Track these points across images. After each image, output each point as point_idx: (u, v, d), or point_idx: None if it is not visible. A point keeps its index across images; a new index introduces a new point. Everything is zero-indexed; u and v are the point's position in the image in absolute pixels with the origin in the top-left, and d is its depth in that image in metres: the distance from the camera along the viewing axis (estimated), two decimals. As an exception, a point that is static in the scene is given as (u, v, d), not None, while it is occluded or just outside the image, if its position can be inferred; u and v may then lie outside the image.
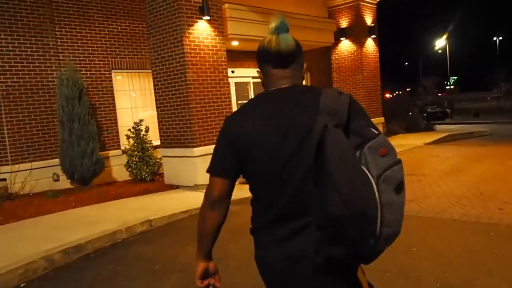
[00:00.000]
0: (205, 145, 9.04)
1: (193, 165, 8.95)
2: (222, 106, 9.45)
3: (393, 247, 1.61)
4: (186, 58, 8.76)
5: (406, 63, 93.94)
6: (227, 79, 9.67)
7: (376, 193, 1.45)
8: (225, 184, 1.79)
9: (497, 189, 7.25)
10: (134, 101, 11.54)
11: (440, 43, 45.81)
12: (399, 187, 1.50)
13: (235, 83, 13.43)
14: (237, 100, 13.49)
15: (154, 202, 7.99)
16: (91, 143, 9.21)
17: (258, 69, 1.90)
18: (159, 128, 9.70)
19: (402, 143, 14.58)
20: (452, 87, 50.17)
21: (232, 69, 13.18)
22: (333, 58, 14.38)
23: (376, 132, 1.55)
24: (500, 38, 76.53)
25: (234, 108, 13.29)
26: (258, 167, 1.72)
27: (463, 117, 32.57)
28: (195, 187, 8.94)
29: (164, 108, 9.44)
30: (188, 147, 9.02)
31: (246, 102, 1.87)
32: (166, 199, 8.20)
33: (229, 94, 9.75)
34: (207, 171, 1.84)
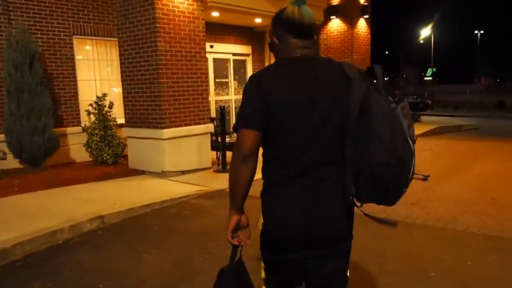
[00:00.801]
0: (176, 126, 7.87)
1: (161, 148, 7.79)
2: (198, 83, 8.27)
3: (407, 272, 1.99)
4: (157, 25, 7.51)
5: (386, 52, 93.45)
6: (205, 53, 8.47)
7: (411, 145, 1.73)
8: (256, 137, 1.84)
9: (510, 194, 6.34)
10: (99, 73, 10.22)
11: (425, 32, 45.11)
12: (414, 142, 1.76)
13: (214, 59, 12.22)
14: (215, 78, 12.29)
15: (112, 190, 6.82)
16: (43, 118, 7.93)
17: (275, 37, 1.97)
18: (124, 105, 8.47)
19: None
20: (430, 78, 49.73)
21: (211, 44, 11.96)
22: (322, 38, 13.25)
23: (399, 95, 1.77)
24: (482, 31, 76.78)
25: (212, 86, 12.10)
26: (288, 125, 1.82)
27: (443, 109, 32.03)
28: (162, 174, 7.80)
29: (130, 82, 8.20)
30: (156, 127, 7.84)
31: (270, 65, 1.96)
32: (127, 188, 7.04)
33: (206, 70, 8.56)
34: (235, 127, 1.88)
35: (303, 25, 1.88)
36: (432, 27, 45.41)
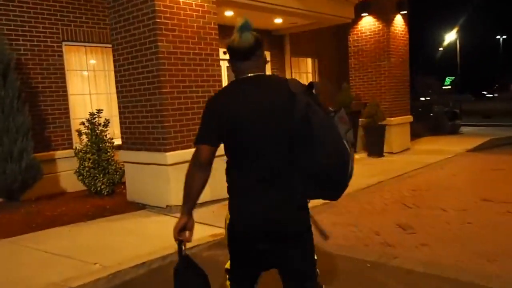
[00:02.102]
0: (183, 148, 6.24)
1: (165, 177, 6.16)
2: (210, 93, 6.64)
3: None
4: (157, 20, 5.93)
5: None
6: (218, 55, 6.85)
7: (348, 147, 2.04)
8: (209, 151, 2.21)
9: None
10: (94, 86, 8.68)
11: (450, 37, 43.08)
12: (353, 144, 2.58)
13: (228, 67, 10.60)
14: (231, 88, 10.68)
15: (99, 236, 5.19)
16: (20, 141, 6.36)
17: (229, 62, 2.31)
18: (120, 122, 6.88)
19: (438, 148, 11.88)
20: (449, 87, 47.39)
21: (225, 50, 10.35)
22: (351, 39, 11.59)
23: (332, 109, 2.12)
24: (504, 36, 74.14)
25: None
26: (241, 138, 2.16)
27: (471, 118, 29.92)
28: (167, 209, 6.15)
29: (126, 94, 6.62)
30: (159, 150, 6.22)
31: (225, 86, 2.35)
32: (119, 231, 5.40)
33: (220, 77, 6.94)
34: (195, 143, 2.26)
35: (240, 50, 2.21)
36: (457, 32, 43.39)
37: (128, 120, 6.65)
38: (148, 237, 5.07)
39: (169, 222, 5.67)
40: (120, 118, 6.83)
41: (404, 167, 9.29)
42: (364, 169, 9.22)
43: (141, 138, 6.47)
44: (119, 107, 6.81)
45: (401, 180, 8.06)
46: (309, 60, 13.39)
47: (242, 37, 2.21)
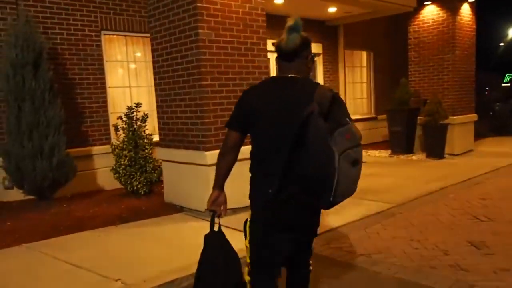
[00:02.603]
0: (224, 147, 5.64)
1: (204, 178, 5.56)
2: (256, 87, 6.01)
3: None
4: (198, 4, 5.33)
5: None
6: (265, 44, 6.18)
7: (336, 163, 2.08)
8: (236, 137, 2.47)
9: None
10: (135, 78, 8.24)
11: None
12: (355, 163, 2.16)
13: (276, 59, 9.92)
14: (279, 82, 10.00)
15: (128, 244, 4.67)
16: (52, 136, 5.95)
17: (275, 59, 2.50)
18: (158, 117, 6.35)
19: (505, 150, 10.84)
20: (508, 84, 44.41)
21: (274, 41, 9.68)
22: (412, 30, 10.62)
23: (348, 121, 2.18)
24: None
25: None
26: (258, 132, 2.38)
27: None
28: (206, 214, 5.56)
29: (165, 87, 6.08)
30: (198, 149, 5.64)
31: (261, 81, 2.62)
32: (151, 238, 4.86)
33: (268, 68, 6.27)
34: (225, 126, 2.54)
35: (286, 51, 2.36)
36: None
37: (166, 115, 6.11)
38: (182, 247, 4.49)
39: (207, 229, 5.08)
40: (157, 113, 6.31)
41: (469, 171, 8.33)
42: (424, 173, 8.33)
43: (180, 135, 5.91)
44: (157, 101, 6.28)
45: (467, 187, 7.13)
46: (364, 53, 12.51)
47: (290, 38, 2.32)
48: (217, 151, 5.46)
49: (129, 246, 4.61)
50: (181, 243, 4.68)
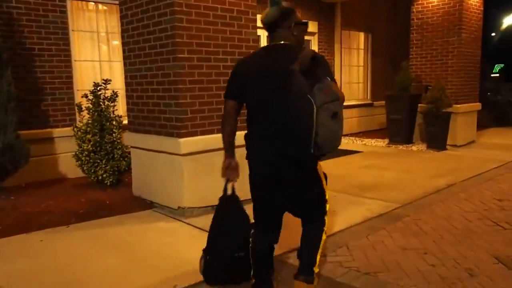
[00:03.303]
0: (203, 133, 4.75)
1: (178, 170, 4.69)
2: (242, 63, 5.11)
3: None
4: (174, -40, 4.40)
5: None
6: (255, 14, 5.26)
7: (314, 116, 2.26)
8: (233, 105, 2.71)
9: None
10: (107, 51, 7.27)
11: (509, 21, 39.60)
12: (334, 115, 2.34)
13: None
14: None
15: (76, 254, 3.77)
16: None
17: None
18: (127, 97, 5.43)
19: (509, 143, 9.97)
20: (497, 75, 43.84)
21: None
22: (415, 10, 9.73)
23: (328, 78, 2.40)
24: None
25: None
26: (250, 97, 2.63)
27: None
28: (179, 212, 4.72)
29: (135, 60, 5.14)
30: (171, 135, 4.74)
31: (254, 51, 3.16)
32: (109, 245, 3.97)
33: (257, 42, 5.34)
34: (224, 96, 2.78)
35: (265, 23, 2.65)
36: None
37: (136, 93, 5.19)
38: (145, 258, 3.62)
39: (179, 233, 4.23)
40: (126, 91, 5.39)
41: (476, 165, 7.55)
42: (426, 166, 7.53)
43: (150, 118, 5.01)
44: (125, 77, 5.36)
45: (478, 184, 6.34)
46: (362, 35, 11.61)
47: (268, 12, 2.64)
48: (195, 138, 4.55)
49: (77, 255, 3.72)
50: (144, 251, 3.81)
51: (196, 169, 4.73)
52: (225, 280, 2.95)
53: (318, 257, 2.87)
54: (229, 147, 2.81)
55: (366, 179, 6.42)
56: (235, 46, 5.01)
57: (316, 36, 10.05)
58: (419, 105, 9.52)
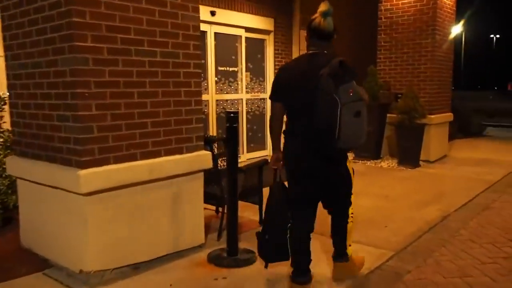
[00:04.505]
0: (117, 160, 3.21)
1: (79, 215, 3.12)
2: (179, 58, 3.61)
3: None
4: None
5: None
6: (197, 10, 3.78)
7: (338, 113, 2.57)
8: (280, 106, 3.01)
9: None
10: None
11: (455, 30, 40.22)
12: (357, 114, 2.64)
13: (216, 34, 7.55)
14: (216, 64, 7.61)
15: None
16: None
17: (307, 36, 3.02)
18: (10, 105, 3.79)
19: (483, 157, 9.08)
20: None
21: (213, 9, 7.32)
22: (383, 8, 8.57)
23: (353, 81, 2.69)
24: (498, 36, 71.61)
25: (212, 77, 7.52)
26: (288, 100, 2.97)
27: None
28: (82, 279, 3.15)
29: (18, 52, 3.52)
30: (69, 163, 3.15)
31: (295, 57, 3.58)
32: None
33: (197, 31, 3.84)
34: (269, 97, 3.15)
35: (325, 32, 2.92)
36: (464, 25, 40.52)
37: (21, 100, 3.57)
38: None
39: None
40: (9, 96, 3.75)
41: (461, 187, 6.43)
42: (406, 189, 6.33)
43: (41, 137, 3.41)
44: (7, 76, 3.72)
45: (476, 215, 5.13)
46: (321, 35, 10.34)
47: (327, 21, 2.90)
48: (104, 169, 2.98)
49: None
50: None
51: (107, 214, 3.18)
52: (280, 256, 3.17)
53: (348, 241, 3.29)
54: (277, 144, 3.11)
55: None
56: (168, 34, 3.51)
57: (272, 35, 8.68)
58: (388, 115, 8.37)
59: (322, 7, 2.89)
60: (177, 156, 3.65)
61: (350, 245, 3.32)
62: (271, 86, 3.07)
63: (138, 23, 3.30)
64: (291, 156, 3.00)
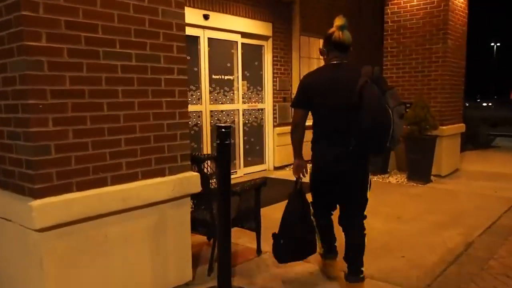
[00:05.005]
0: (82, 187, 2.61)
1: (34, 253, 2.52)
2: (159, 62, 3.03)
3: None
4: None
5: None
6: (181, 5, 3.21)
7: (391, 116, 2.80)
8: (302, 113, 3.18)
9: None
10: None
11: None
12: (401, 116, 2.89)
13: (210, 40, 6.99)
14: (210, 72, 7.03)
15: None
16: None
17: (325, 49, 3.18)
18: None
19: (497, 171, 8.50)
20: None
21: (206, 12, 6.77)
22: (389, 12, 8.04)
23: (393, 87, 2.96)
24: (498, 44, 71.27)
25: (206, 87, 6.94)
26: (318, 106, 3.10)
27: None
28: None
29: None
30: (21, 191, 2.56)
31: (317, 68, 3.50)
32: None
33: (182, 30, 3.27)
34: (291, 105, 3.52)
35: (344, 44, 3.09)
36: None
37: (-30, 114, 2.98)
38: None
39: None
40: (-42, 109, 3.16)
41: (480, 205, 5.84)
42: (419, 208, 5.72)
43: (-9, 158, 2.82)
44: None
45: (503, 241, 4.51)
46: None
47: (346, 34, 3.08)
48: (65, 198, 2.44)
49: None
50: None
51: (69, 253, 2.57)
52: (293, 258, 3.40)
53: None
54: (298, 151, 3.27)
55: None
56: (145, 33, 2.93)
57: (270, 41, 8.13)
58: (396, 126, 7.76)
59: (338, 21, 3.07)
60: (158, 179, 3.05)
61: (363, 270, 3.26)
62: (294, 94, 3.26)
63: (108, 19, 2.72)
64: (320, 161, 3.18)
